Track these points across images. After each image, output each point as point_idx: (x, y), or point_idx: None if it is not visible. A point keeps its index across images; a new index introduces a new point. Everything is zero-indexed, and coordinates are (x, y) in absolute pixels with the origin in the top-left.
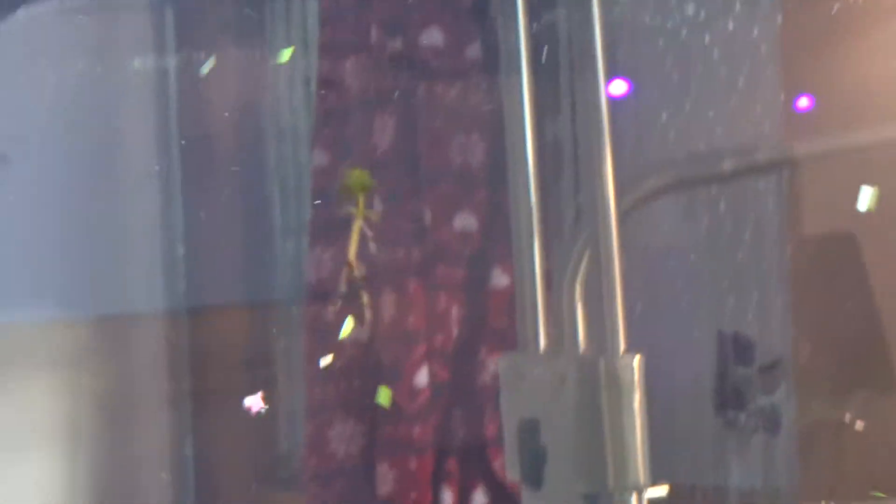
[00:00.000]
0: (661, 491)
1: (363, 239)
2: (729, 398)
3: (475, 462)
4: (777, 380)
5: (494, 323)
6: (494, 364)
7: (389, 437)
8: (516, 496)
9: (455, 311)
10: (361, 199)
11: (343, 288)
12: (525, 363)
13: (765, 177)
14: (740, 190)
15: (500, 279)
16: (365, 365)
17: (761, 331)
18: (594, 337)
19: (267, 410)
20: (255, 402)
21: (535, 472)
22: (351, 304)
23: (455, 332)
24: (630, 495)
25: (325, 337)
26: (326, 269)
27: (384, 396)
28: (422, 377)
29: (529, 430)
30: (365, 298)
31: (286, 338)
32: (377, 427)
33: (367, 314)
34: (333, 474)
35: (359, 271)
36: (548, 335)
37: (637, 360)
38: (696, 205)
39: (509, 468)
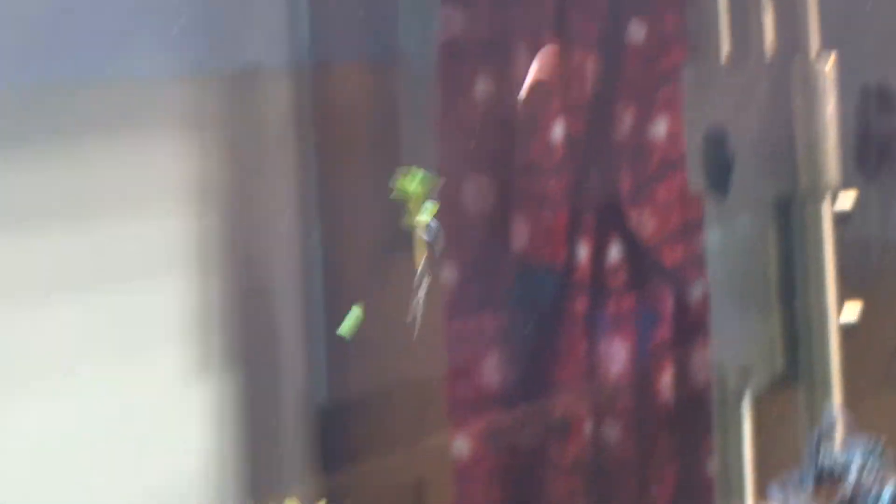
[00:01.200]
0: (848, 199)
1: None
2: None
3: (610, 217)
4: None
5: (630, 77)
6: (630, 118)
7: (524, 193)
8: (650, 251)
9: (590, 66)
10: (416, 207)
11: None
12: (711, 71)
13: None
14: None
15: (637, 33)
16: (499, 120)
17: None
18: (784, 37)
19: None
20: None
21: (721, 180)
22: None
23: (590, 86)
24: (822, 199)
25: (459, 90)
26: (458, 25)
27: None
28: (557, 131)
29: (716, 138)
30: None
31: (414, 93)
32: (512, 183)
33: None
34: (466, 229)
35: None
36: (732, 40)
37: (832, 60)
38: None
39: (692, 181)
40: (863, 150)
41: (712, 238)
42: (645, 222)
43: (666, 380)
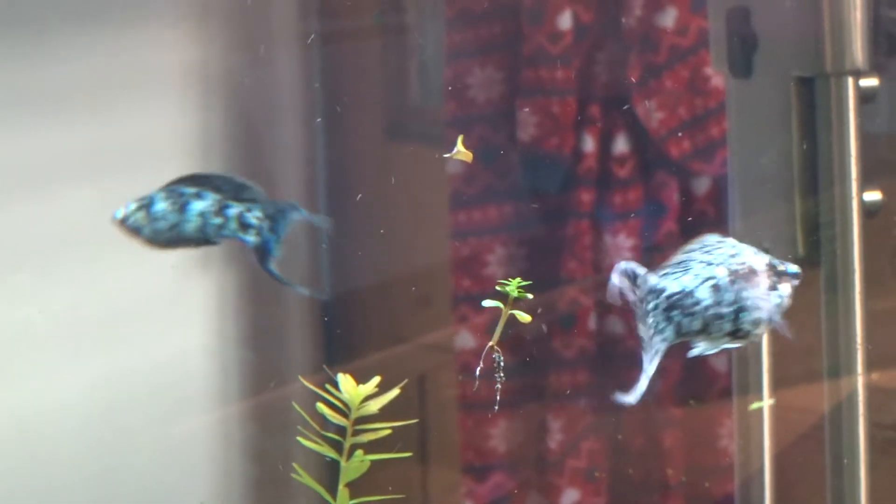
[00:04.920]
0: (873, 81)
1: None
2: None
3: (617, 107)
4: None
5: None
6: (639, 6)
7: (531, 82)
8: (658, 141)
9: None
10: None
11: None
12: None
13: None
14: None
15: None
16: (506, 8)
17: None
18: None
19: (398, 61)
20: None
21: (744, 59)
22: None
23: None
24: (847, 79)
25: None
26: None
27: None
28: (565, 19)
29: (739, 17)
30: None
31: None
32: (518, 72)
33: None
34: (473, 119)
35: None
36: None
37: None
38: None
39: (715, 60)
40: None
41: (733, 120)
42: (653, 112)
43: None
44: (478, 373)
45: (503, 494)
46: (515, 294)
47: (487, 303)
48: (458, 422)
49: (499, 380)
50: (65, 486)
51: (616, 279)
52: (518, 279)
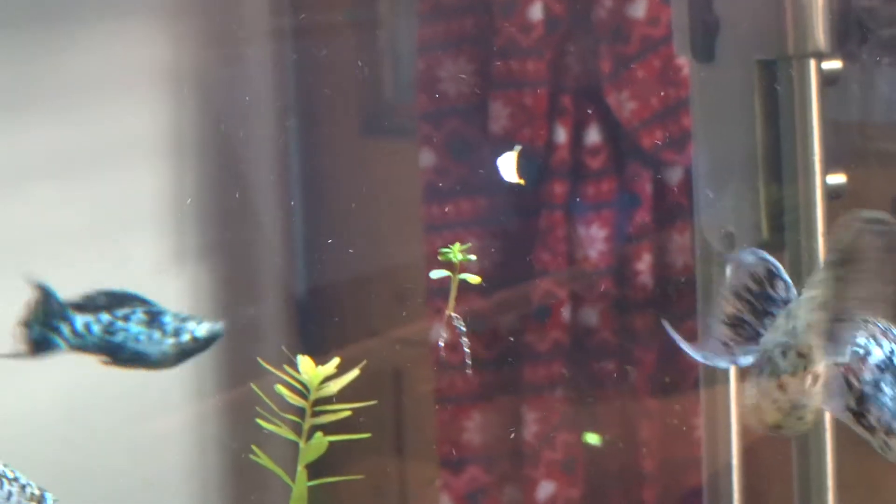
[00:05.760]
0: (836, 64)
1: None
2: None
3: (589, 99)
4: None
5: None
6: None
7: (503, 73)
8: (630, 132)
9: None
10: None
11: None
12: None
13: None
14: None
15: None
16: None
17: None
18: None
19: (371, 56)
20: None
21: (707, 44)
22: None
23: None
24: (809, 61)
25: None
26: None
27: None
28: (536, 11)
29: (701, 1)
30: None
31: None
32: (490, 63)
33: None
34: (445, 113)
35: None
36: None
37: None
38: None
39: (678, 46)
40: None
41: (697, 105)
42: (624, 103)
43: (646, 263)
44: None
45: (480, 487)
46: (459, 258)
47: (435, 273)
48: (435, 415)
49: (464, 345)
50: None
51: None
52: (458, 243)
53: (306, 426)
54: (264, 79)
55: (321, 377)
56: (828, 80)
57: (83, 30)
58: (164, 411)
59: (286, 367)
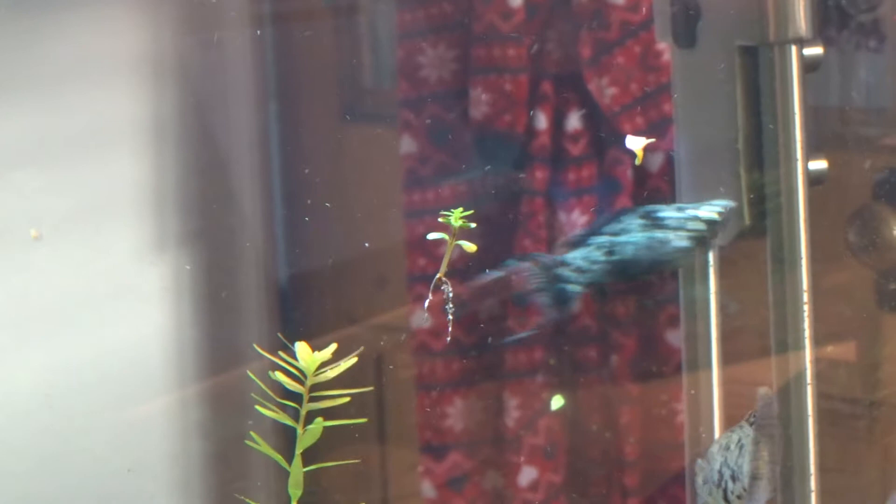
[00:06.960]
0: (817, 49)
1: None
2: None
3: (570, 84)
4: None
5: None
6: None
7: (483, 60)
8: (611, 118)
9: None
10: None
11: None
12: None
13: None
14: None
15: None
16: None
17: None
18: None
19: (352, 40)
20: None
21: (688, 29)
22: None
23: None
24: (790, 47)
25: None
26: None
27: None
28: None
29: None
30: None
31: None
32: (470, 50)
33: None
34: (426, 98)
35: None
36: None
37: None
38: None
39: (659, 31)
40: (827, 7)
41: (678, 91)
42: (605, 89)
43: None
44: (426, 305)
45: (461, 473)
46: (459, 223)
47: (433, 235)
48: (416, 401)
49: (449, 311)
50: (14, 473)
51: None
52: (461, 209)
53: (303, 412)
54: (244, 65)
55: (318, 363)
56: (809, 65)
57: (61, 17)
58: (145, 397)
59: (281, 354)
